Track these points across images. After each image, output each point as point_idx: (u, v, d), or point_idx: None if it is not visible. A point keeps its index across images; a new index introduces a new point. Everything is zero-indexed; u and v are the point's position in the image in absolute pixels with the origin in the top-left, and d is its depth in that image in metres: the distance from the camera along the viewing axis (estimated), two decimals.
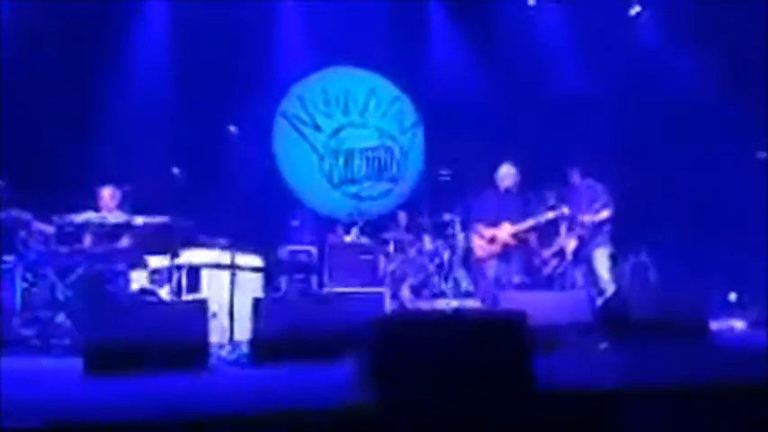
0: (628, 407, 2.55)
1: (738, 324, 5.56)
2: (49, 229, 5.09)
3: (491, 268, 5.71)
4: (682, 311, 4.59)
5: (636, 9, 8.12)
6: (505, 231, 5.73)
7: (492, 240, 5.73)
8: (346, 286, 6.29)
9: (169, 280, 5.09)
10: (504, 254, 5.72)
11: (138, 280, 5.28)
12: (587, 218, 5.70)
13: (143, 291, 5.25)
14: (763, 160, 5.39)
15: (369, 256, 6.82)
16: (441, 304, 6.28)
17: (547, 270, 6.04)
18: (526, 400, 2.56)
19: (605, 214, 5.70)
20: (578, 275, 5.82)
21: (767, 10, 6.63)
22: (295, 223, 7.33)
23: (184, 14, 7.43)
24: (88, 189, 5.66)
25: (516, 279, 5.80)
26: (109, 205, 5.51)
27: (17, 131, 6.32)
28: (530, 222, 5.74)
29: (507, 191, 5.89)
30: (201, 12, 7.28)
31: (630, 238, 6.62)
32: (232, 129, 5.13)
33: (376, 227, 7.41)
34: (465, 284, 6.69)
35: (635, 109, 7.52)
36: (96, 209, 5.43)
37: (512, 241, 5.71)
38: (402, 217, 7.55)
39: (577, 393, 2.73)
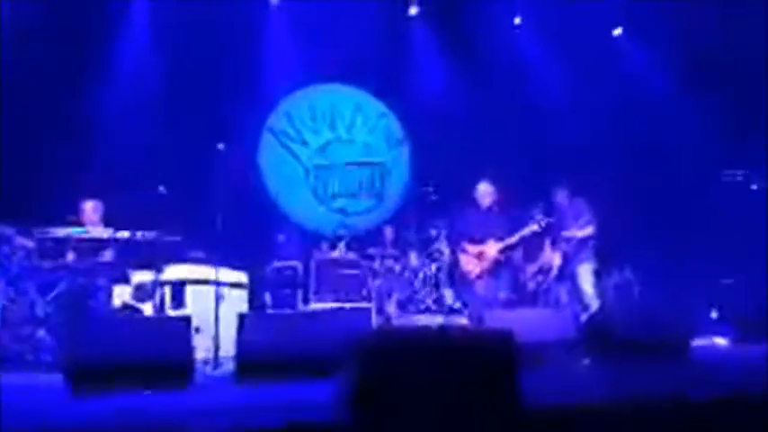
0: (611, 422, 2.57)
1: (720, 341, 5.62)
2: (31, 244, 5.03)
3: (479, 285, 5.73)
4: (664, 328, 4.64)
5: (617, 31, 8.27)
6: (492, 248, 5.77)
7: (479, 257, 5.76)
8: (332, 302, 6.29)
9: (153, 295, 5.05)
10: (492, 270, 5.75)
11: (121, 295, 5.23)
12: (572, 233, 5.76)
13: (125, 306, 5.20)
14: (742, 182, 5.50)
15: (355, 272, 6.84)
16: (426, 320, 6.29)
17: (531, 286, 6.08)
18: (512, 418, 2.57)
19: (589, 230, 5.77)
20: (563, 292, 5.87)
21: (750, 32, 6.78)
22: (281, 238, 7.32)
23: (171, 28, 7.42)
24: (71, 203, 5.61)
25: (503, 295, 5.83)
26: (92, 219, 5.47)
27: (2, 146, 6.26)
28: (515, 237, 5.78)
29: (489, 208, 5.93)
30: (189, 26, 7.28)
31: (614, 255, 6.69)
32: (220, 146, 5.10)
33: (362, 242, 7.42)
34: (451, 300, 6.71)
35: (618, 128, 7.63)
36: (79, 223, 5.39)
37: (499, 257, 5.75)
38: (388, 232, 7.57)
39: (562, 409, 2.75)
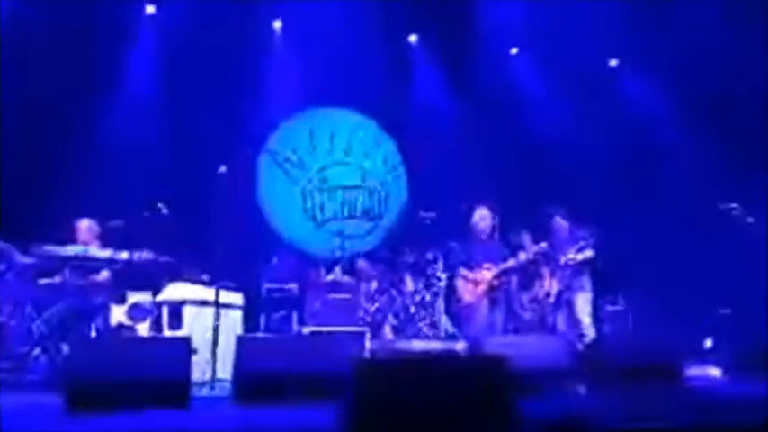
0: None
1: (714, 371, 5.64)
2: (29, 261, 5.03)
3: (475, 310, 5.74)
4: (658, 356, 4.67)
5: (614, 62, 8.43)
6: (488, 273, 5.79)
7: (476, 282, 5.78)
8: (327, 325, 6.27)
9: (150, 316, 5.04)
10: (489, 296, 5.77)
11: (118, 315, 5.22)
12: (569, 258, 5.77)
13: (121, 326, 5.19)
14: (738, 214, 5.56)
15: (350, 295, 6.83)
16: (422, 345, 6.28)
17: (528, 313, 6.10)
18: None
19: (589, 254, 5.77)
20: (560, 319, 5.88)
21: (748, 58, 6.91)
22: (275, 261, 7.32)
23: (173, 51, 7.51)
24: (68, 222, 5.60)
25: (499, 321, 5.84)
26: (85, 238, 5.42)
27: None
28: (511, 262, 5.80)
29: (486, 234, 5.96)
30: (191, 48, 7.38)
31: (610, 283, 6.72)
32: (222, 169, 5.14)
33: (358, 265, 7.43)
34: (447, 326, 6.71)
35: (615, 156, 7.73)
36: (74, 242, 5.37)
37: (495, 282, 5.76)
38: (384, 256, 7.58)
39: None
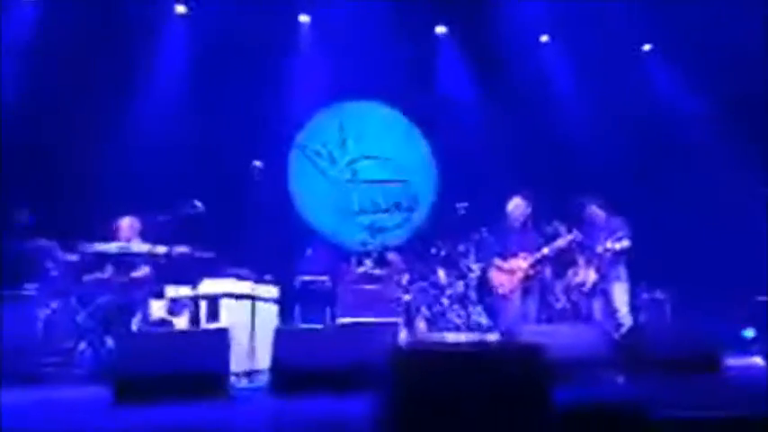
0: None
1: (758, 360, 5.52)
2: (74, 258, 5.19)
3: (510, 301, 5.71)
4: (697, 346, 4.59)
5: (648, 46, 8.27)
6: (523, 263, 5.75)
7: (511, 272, 5.75)
8: (360, 317, 6.32)
9: (187, 310, 5.16)
10: (524, 286, 5.73)
11: (157, 310, 5.35)
12: (606, 248, 5.70)
13: (160, 320, 5.32)
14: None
15: (383, 287, 6.87)
16: (455, 337, 6.29)
17: (562, 302, 6.05)
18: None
19: (626, 243, 5.69)
20: (596, 308, 5.82)
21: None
22: (309, 253, 7.41)
23: (204, 47, 7.63)
24: (110, 219, 5.75)
25: (533, 312, 5.80)
26: (127, 235, 5.57)
27: (43, 163, 6.47)
28: (545, 250, 5.75)
29: (520, 223, 5.91)
30: (222, 45, 7.48)
31: (647, 272, 6.63)
32: (257, 163, 5.22)
33: (389, 258, 7.46)
34: (480, 317, 6.71)
35: (650, 144, 7.61)
36: (116, 239, 5.52)
37: (530, 272, 5.72)
38: (415, 248, 7.60)
39: (598, 415, 2.73)
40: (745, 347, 5.99)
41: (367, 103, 8.83)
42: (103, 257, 5.17)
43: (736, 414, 2.93)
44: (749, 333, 6.29)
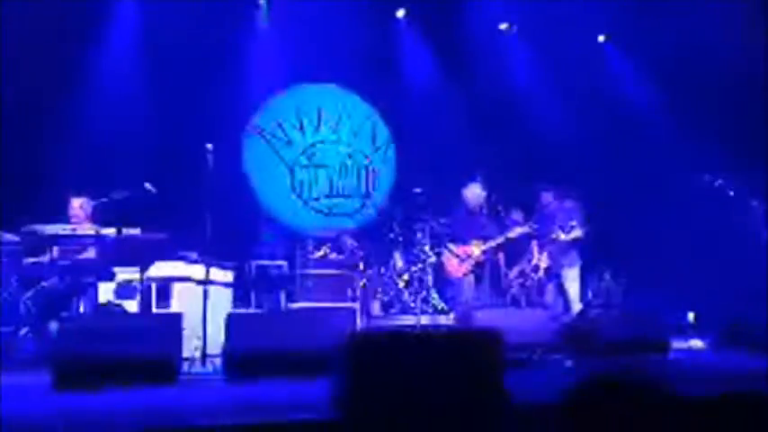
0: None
1: (698, 344, 5.73)
2: (16, 239, 4.98)
3: (463, 286, 5.79)
4: (645, 331, 4.74)
5: (602, 37, 8.41)
6: (476, 249, 5.83)
7: (464, 258, 5.82)
8: (317, 302, 6.29)
9: (138, 293, 5.03)
10: (476, 272, 5.82)
11: (106, 293, 5.20)
12: (561, 236, 5.82)
13: (109, 304, 5.17)
14: (722, 187, 5.63)
15: (339, 272, 6.85)
16: (411, 320, 6.33)
17: (515, 287, 6.16)
18: (500, 416, 2.62)
19: (577, 234, 5.83)
20: (549, 293, 5.95)
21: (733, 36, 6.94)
22: (266, 238, 7.32)
23: (158, 27, 7.39)
24: (58, 200, 5.56)
25: (486, 297, 5.89)
26: (79, 216, 5.40)
27: None
28: (499, 239, 5.84)
29: (476, 210, 5.98)
30: (176, 24, 7.24)
31: (598, 258, 6.79)
32: (209, 146, 5.10)
33: (346, 243, 7.44)
34: (436, 301, 6.76)
35: (603, 132, 7.76)
36: (66, 220, 5.34)
37: (481, 258, 5.81)
38: (372, 233, 7.59)
39: (549, 408, 2.79)
40: (688, 331, 6.21)
41: (325, 87, 8.72)
42: (48, 240, 4.98)
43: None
44: (690, 317, 6.53)
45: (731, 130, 7.04)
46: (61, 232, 5.02)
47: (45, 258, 5.00)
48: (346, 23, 7.61)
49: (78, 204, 5.41)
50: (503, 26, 8.52)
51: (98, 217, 5.34)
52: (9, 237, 5.01)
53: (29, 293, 4.85)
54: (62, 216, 5.36)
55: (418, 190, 6.54)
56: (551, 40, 7.84)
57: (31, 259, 4.97)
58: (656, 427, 1.96)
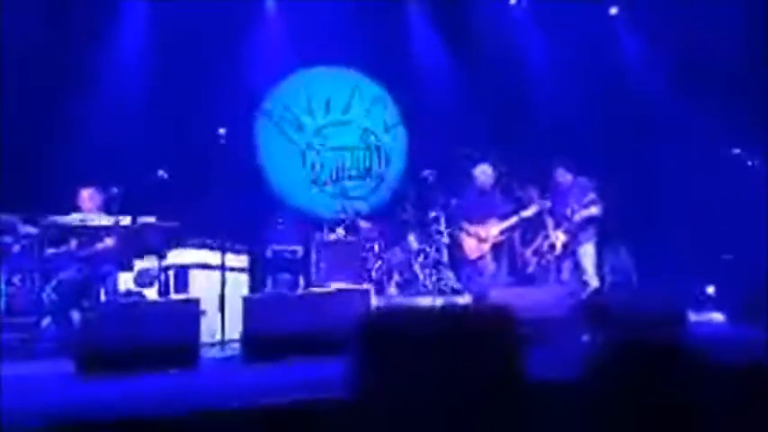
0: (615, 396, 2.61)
1: (717, 316, 5.68)
2: (35, 231, 5.06)
3: (479, 265, 5.79)
4: (662, 305, 4.70)
5: (614, 10, 8.26)
6: (492, 228, 5.81)
7: (479, 237, 5.80)
8: (333, 284, 6.32)
9: (157, 281, 5.09)
10: (493, 251, 5.80)
11: (126, 282, 5.27)
12: (576, 214, 5.78)
13: (129, 292, 5.25)
14: (739, 158, 5.53)
15: (354, 254, 6.87)
16: (427, 301, 6.35)
17: (532, 266, 6.13)
18: (516, 394, 2.62)
19: (594, 210, 5.78)
20: (565, 270, 5.92)
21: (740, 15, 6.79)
22: (280, 222, 7.35)
23: (165, 15, 7.40)
24: (71, 191, 5.61)
25: (503, 276, 5.88)
26: (89, 207, 5.44)
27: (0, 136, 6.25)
28: (514, 219, 5.82)
29: (489, 189, 5.96)
30: (184, 9, 7.25)
31: (614, 233, 6.74)
32: (221, 131, 5.12)
33: (360, 225, 7.45)
34: (451, 282, 6.76)
35: (617, 108, 7.65)
36: (78, 210, 5.40)
37: (499, 238, 5.79)
38: (387, 215, 7.60)
39: (565, 385, 2.79)
40: (707, 304, 6.15)
41: (335, 69, 8.68)
42: (66, 230, 5.04)
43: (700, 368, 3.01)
44: (709, 290, 6.46)
45: (747, 103, 6.91)
46: (80, 223, 5.08)
47: (64, 249, 5.07)
48: (355, 5, 7.55)
49: (88, 195, 5.44)
50: (512, 1, 8.40)
51: (111, 206, 5.38)
52: (29, 229, 5.09)
53: (50, 284, 4.92)
54: (73, 207, 5.39)
55: (430, 171, 6.51)
56: (562, 16, 7.71)
57: (51, 250, 5.04)
58: (689, 393, 1.95)
